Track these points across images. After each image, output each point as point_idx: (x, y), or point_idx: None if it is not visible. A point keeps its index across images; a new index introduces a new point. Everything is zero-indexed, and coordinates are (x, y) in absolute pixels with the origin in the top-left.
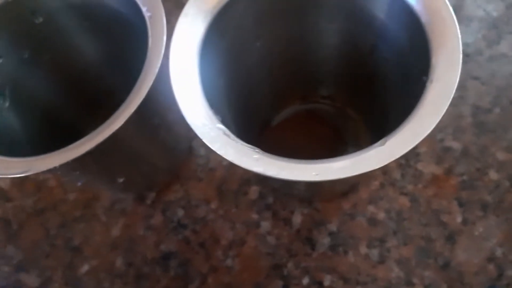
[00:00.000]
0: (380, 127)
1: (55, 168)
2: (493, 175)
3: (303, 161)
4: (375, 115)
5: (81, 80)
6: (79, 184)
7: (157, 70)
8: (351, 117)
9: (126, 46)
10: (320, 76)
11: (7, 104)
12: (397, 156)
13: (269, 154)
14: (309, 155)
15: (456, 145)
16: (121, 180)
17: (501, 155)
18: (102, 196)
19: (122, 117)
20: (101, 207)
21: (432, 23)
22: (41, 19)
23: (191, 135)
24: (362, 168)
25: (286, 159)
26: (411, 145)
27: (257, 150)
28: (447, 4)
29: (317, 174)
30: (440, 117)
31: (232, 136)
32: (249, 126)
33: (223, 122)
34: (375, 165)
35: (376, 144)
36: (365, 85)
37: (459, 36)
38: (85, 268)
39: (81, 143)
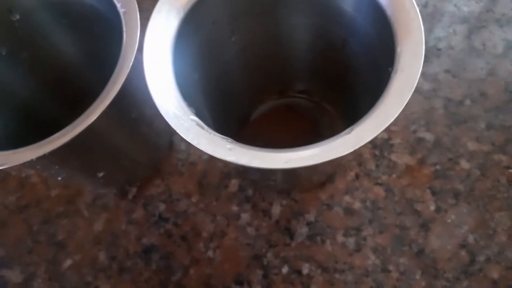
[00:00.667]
0: (354, 119)
1: (31, 161)
2: (464, 164)
3: (274, 150)
4: (348, 108)
5: (60, 77)
6: (59, 178)
7: (131, 63)
8: (327, 110)
9: (103, 43)
10: (296, 72)
11: None
12: (362, 143)
13: (241, 144)
14: (286, 147)
15: (428, 136)
16: (100, 174)
17: (472, 145)
18: (84, 191)
19: (98, 110)
20: (83, 203)
21: (397, 16)
22: (18, 16)
23: (171, 130)
24: (330, 155)
25: (258, 148)
26: (376, 133)
27: (230, 140)
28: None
29: (286, 162)
30: (403, 106)
31: (205, 127)
32: (227, 121)
33: (200, 116)
34: (342, 152)
35: (343, 133)
36: (338, 79)
37: (422, 28)
38: (68, 263)
39: (58, 136)
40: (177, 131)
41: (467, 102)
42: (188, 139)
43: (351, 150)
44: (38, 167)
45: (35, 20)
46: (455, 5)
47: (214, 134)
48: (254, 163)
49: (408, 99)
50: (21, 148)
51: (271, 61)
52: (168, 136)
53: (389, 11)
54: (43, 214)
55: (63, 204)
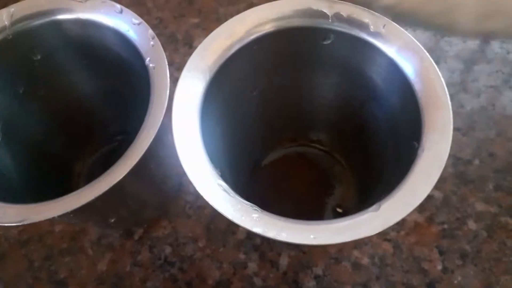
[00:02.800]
0: (365, 175)
1: (53, 218)
2: (471, 225)
3: (301, 222)
4: (361, 163)
5: (73, 115)
6: (71, 222)
7: (159, 124)
8: (338, 162)
9: (121, 85)
10: (311, 122)
11: None
12: (391, 223)
13: (267, 213)
14: (297, 197)
15: (437, 194)
16: (112, 220)
17: (479, 206)
18: (89, 229)
19: (125, 168)
20: (88, 241)
21: (425, 94)
22: (39, 56)
23: (181, 172)
24: (358, 234)
25: (284, 219)
26: (405, 213)
27: (256, 208)
28: (439, 76)
29: (314, 238)
30: (432, 186)
31: (231, 193)
32: (240, 166)
33: (221, 170)
34: (370, 232)
35: (370, 209)
36: (353, 134)
37: (450, 108)
38: None
39: (82, 192)
40: (205, 198)
41: (476, 161)
42: (215, 206)
43: (380, 230)
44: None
45: (55, 60)
46: (464, 62)
47: (240, 201)
48: (281, 237)
49: (436, 181)
50: (42, 202)
51: (288, 112)
52: (178, 178)
53: (417, 87)
54: (45, 249)
55: (66, 241)
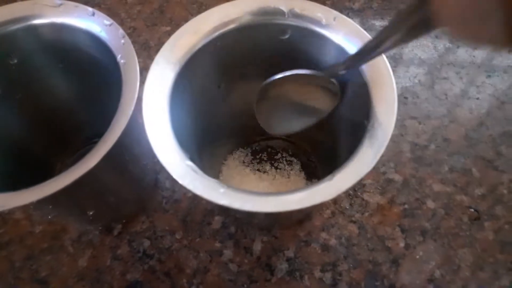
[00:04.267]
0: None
1: (31, 203)
2: (430, 204)
3: (264, 193)
4: (325, 150)
5: (51, 117)
6: (49, 217)
7: (131, 112)
8: (306, 151)
9: (96, 86)
10: None
11: None
12: (344, 189)
13: (233, 188)
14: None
15: (397, 177)
16: (91, 213)
17: (436, 187)
18: (69, 228)
19: (98, 155)
20: (68, 239)
21: (372, 74)
22: (15, 60)
23: (157, 168)
24: (316, 200)
25: (248, 192)
26: (355, 180)
27: (223, 184)
28: (384, 58)
29: (275, 205)
30: (379, 156)
31: (199, 172)
32: (211, 160)
33: (191, 158)
34: (326, 197)
35: (326, 178)
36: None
37: (395, 86)
38: None
39: (58, 179)
40: (175, 177)
41: (432, 146)
42: (184, 184)
43: (334, 195)
44: (31, 207)
45: (32, 63)
46: (420, 58)
47: (207, 179)
48: (246, 207)
49: (383, 150)
50: (21, 190)
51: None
52: (154, 174)
53: (364, 68)
54: (26, 250)
55: (47, 240)
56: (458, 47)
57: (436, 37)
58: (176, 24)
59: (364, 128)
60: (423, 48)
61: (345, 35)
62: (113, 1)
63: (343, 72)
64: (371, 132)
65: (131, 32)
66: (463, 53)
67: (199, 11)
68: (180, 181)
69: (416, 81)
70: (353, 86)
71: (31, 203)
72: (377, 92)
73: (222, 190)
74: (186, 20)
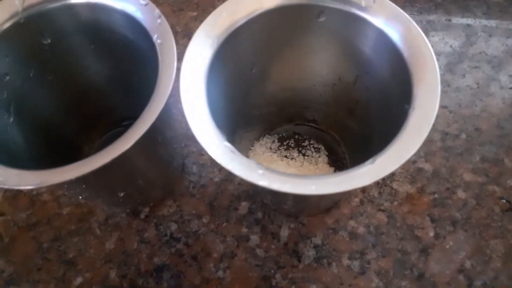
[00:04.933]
0: (358, 148)
1: (70, 180)
2: (461, 194)
3: (303, 176)
4: (354, 137)
5: (82, 98)
6: (80, 198)
7: (168, 94)
8: (334, 138)
9: (129, 68)
10: (307, 102)
11: (11, 119)
12: (385, 173)
13: (272, 169)
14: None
15: (427, 166)
16: (121, 194)
17: (467, 176)
18: (97, 210)
19: (136, 134)
20: (95, 222)
21: (413, 58)
22: (49, 40)
23: (184, 153)
24: (356, 183)
25: (287, 174)
26: (398, 164)
27: (261, 165)
28: (426, 42)
29: (316, 188)
30: (423, 140)
31: (237, 153)
32: (241, 145)
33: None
34: (367, 181)
35: (367, 162)
36: (346, 111)
37: (437, 70)
38: (78, 281)
39: (96, 157)
40: (214, 158)
41: (463, 136)
42: (223, 164)
43: (375, 179)
44: (65, 186)
45: (64, 44)
46: (451, 46)
47: (246, 160)
48: (285, 188)
49: (426, 134)
50: (58, 168)
51: (285, 93)
52: (181, 159)
53: (405, 53)
54: (54, 232)
55: (74, 223)
56: (490, 35)
57: (468, 25)
58: (202, 10)
59: (403, 112)
60: (454, 36)
61: (386, 19)
62: None
63: None
64: (413, 116)
65: None
66: (496, 41)
67: None
68: (219, 162)
69: (447, 69)
70: (391, 68)
71: (70, 181)
72: (418, 73)
73: (260, 171)
74: (213, 6)
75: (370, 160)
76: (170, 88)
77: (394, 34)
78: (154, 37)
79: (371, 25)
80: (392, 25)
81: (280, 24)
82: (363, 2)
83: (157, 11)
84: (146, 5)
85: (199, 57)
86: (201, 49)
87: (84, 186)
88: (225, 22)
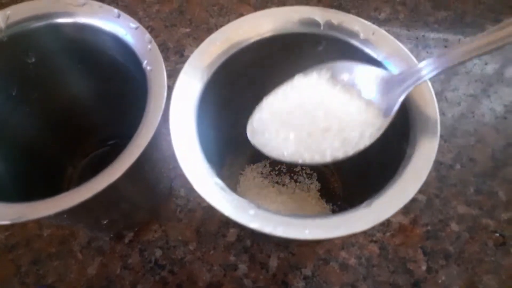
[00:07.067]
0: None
1: (49, 216)
2: (454, 226)
3: (296, 217)
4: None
5: (67, 117)
6: (62, 223)
7: (156, 125)
8: (327, 167)
9: (117, 88)
10: None
11: None
12: (383, 218)
13: (264, 209)
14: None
15: (421, 197)
16: (105, 221)
17: (461, 208)
18: (79, 233)
19: (121, 168)
20: (77, 245)
21: (413, 97)
22: (33, 59)
23: (171, 175)
24: (352, 229)
25: (280, 215)
26: (395, 209)
27: (252, 205)
28: (427, 82)
29: (309, 233)
30: (421, 184)
31: (227, 190)
32: (231, 171)
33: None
34: (364, 227)
35: (362, 205)
36: None
37: (437, 110)
38: None
39: (78, 191)
40: (203, 196)
41: (457, 166)
42: (213, 203)
43: (371, 225)
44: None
45: (50, 63)
46: (446, 74)
47: (237, 198)
48: (277, 232)
49: (424, 179)
50: (38, 201)
51: None
52: (169, 182)
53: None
54: (33, 254)
55: (55, 245)
56: (486, 63)
57: None
58: (195, 26)
59: (401, 150)
60: None
61: (387, 56)
62: None
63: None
64: (411, 156)
65: (149, 32)
66: (491, 69)
67: (219, 14)
68: (208, 200)
69: (442, 97)
70: None
71: (49, 216)
72: (418, 112)
73: (252, 211)
74: (207, 23)
75: (366, 203)
76: (159, 117)
77: (393, 69)
78: (144, 62)
79: (371, 58)
80: (392, 61)
81: (276, 52)
82: (361, 34)
83: (147, 35)
84: (136, 28)
85: (190, 87)
86: (193, 78)
87: (65, 216)
88: (219, 49)
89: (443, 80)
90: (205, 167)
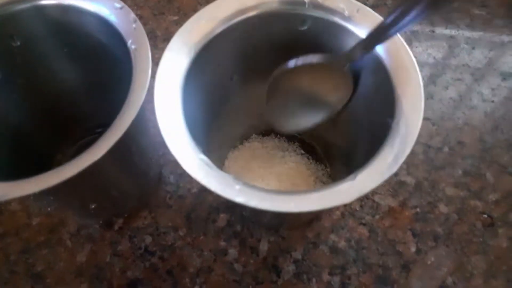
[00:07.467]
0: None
1: (34, 194)
2: (443, 208)
3: (282, 192)
4: (336, 149)
5: (54, 104)
6: (49, 209)
7: (141, 102)
8: (314, 149)
9: (102, 73)
10: None
11: None
12: (367, 190)
13: (250, 185)
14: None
15: (409, 179)
16: (93, 206)
17: (449, 191)
18: (68, 221)
19: (105, 146)
20: (66, 233)
21: (396, 71)
22: (18, 43)
23: (161, 162)
24: (337, 200)
25: (265, 190)
26: (380, 181)
27: (238, 181)
28: (410, 54)
29: (295, 205)
30: (406, 156)
31: (213, 166)
32: (218, 152)
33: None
34: (349, 198)
35: (347, 178)
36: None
37: (421, 84)
38: None
39: (62, 169)
40: (188, 171)
41: (445, 149)
42: (198, 179)
43: (356, 197)
44: (31, 198)
45: (35, 47)
46: (434, 58)
47: (222, 174)
48: (263, 205)
49: (409, 150)
50: (23, 179)
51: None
52: (158, 168)
53: (388, 65)
54: (22, 243)
55: (44, 234)
56: (473, 48)
57: (452, 37)
58: (184, 14)
59: (386, 126)
60: (437, 48)
61: (369, 29)
62: None
63: (359, 55)
64: (396, 130)
65: None
66: (479, 54)
67: (208, 1)
68: (194, 176)
69: (431, 81)
70: (374, 81)
71: (33, 194)
72: (401, 86)
73: (237, 186)
74: (195, 10)
75: (351, 176)
76: (144, 95)
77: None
78: (129, 42)
79: (354, 35)
80: None
81: (261, 31)
82: (346, 12)
83: (132, 15)
84: (121, 8)
85: (175, 64)
86: (178, 56)
87: (51, 198)
88: (204, 28)
89: (430, 64)
90: (190, 144)
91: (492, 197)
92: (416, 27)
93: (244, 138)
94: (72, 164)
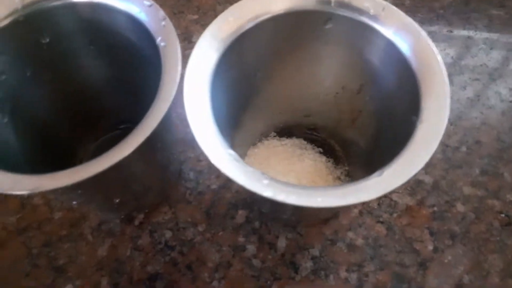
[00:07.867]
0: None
1: (66, 186)
2: (460, 207)
3: (309, 187)
4: (356, 148)
5: (80, 99)
6: (74, 203)
7: (171, 99)
8: (333, 148)
9: (131, 70)
10: (308, 109)
11: (5, 119)
12: (393, 187)
13: (277, 180)
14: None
15: (427, 178)
16: (117, 200)
17: (467, 190)
18: (89, 216)
19: (136, 141)
20: (88, 227)
21: (422, 69)
22: (48, 39)
23: (181, 159)
24: (363, 197)
25: (292, 185)
26: (407, 178)
27: (266, 175)
28: (436, 53)
29: (322, 201)
30: (431, 153)
31: (241, 161)
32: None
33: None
34: (375, 194)
35: (374, 175)
36: (349, 120)
37: (447, 82)
38: None
39: (93, 163)
40: (217, 166)
41: (463, 148)
42: (227, 173)
43: (382, 193)
44: (59, 192)
45: (64, 44)
46: (452, 57)
47: (250, 169)
48: (290, 200)
49: (435, 148)
50: (56, 172)
51: (287, 99)
52: (179, 165)
53: (414, 64)
54: (44, 237)
55: (66, 228)
56: (491, 48)
57: (469, 37)
58: (203, 13)
59: (410, 124)
60: (455, 48)
61: (395, 29)
62: None
63: None
64: (421, 128)
65: None
66: (497, 54)
67: (227, 0)
68: (223, 171)
69: (448, 81)
70: (397, 78)
71: (66, 187)
72: (427, 85)
73: (266, 181)
74: (214, 9)
75: (377, 173)
76: (174, 93)
77: (403, 44)
78: (158, 39)
79: (380, 34)
80: (401, 35)
81: (287, 30)
82: (371, 10)
83: (161, 12)
84: (150, 6)
85: (205, 60)
86: (207, 52)
87: (80, 191)
88: (232, 26)
89: (448, 64)
90: (219, 139)
91: (510, 196)
92: (433, 28)
93: (263, 136)
94: (103, 159)
